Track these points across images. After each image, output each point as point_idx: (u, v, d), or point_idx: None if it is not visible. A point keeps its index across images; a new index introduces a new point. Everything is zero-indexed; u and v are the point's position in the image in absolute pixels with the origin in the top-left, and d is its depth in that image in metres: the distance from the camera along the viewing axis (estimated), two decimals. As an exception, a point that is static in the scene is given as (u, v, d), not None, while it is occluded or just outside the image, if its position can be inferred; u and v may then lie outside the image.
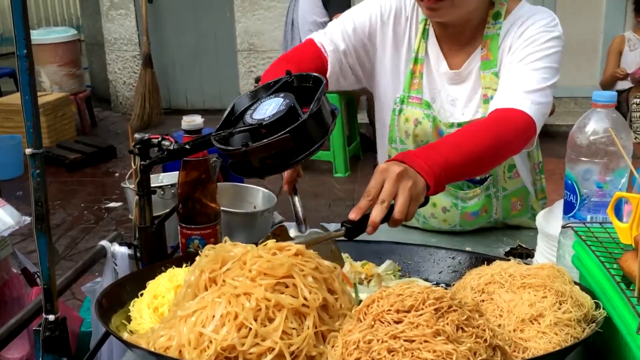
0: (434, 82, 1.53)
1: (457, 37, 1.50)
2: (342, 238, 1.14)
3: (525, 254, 1.49)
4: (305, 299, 0.90)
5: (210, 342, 0.87)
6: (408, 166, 1.14)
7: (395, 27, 1.55)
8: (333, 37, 1.54)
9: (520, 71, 1.39)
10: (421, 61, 1.53)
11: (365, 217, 1.12)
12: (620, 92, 5.78)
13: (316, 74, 1.23)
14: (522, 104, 1.34)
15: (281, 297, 0.90)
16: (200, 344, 0.88)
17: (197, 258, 1.02)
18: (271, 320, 0.88)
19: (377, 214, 1.10)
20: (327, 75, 1.52)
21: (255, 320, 0.88)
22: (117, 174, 5.18)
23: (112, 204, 4.56)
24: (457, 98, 1.51)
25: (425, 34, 1.53)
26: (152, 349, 0.92)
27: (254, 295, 0.89)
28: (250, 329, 0.87)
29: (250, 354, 0.86)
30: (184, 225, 1.36)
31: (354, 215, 1.11)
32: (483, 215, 1.60)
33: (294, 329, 0.88)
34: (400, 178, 1.12)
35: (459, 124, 1.48)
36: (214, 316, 0.89)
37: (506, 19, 1.47)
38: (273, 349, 0.86)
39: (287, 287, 0.92)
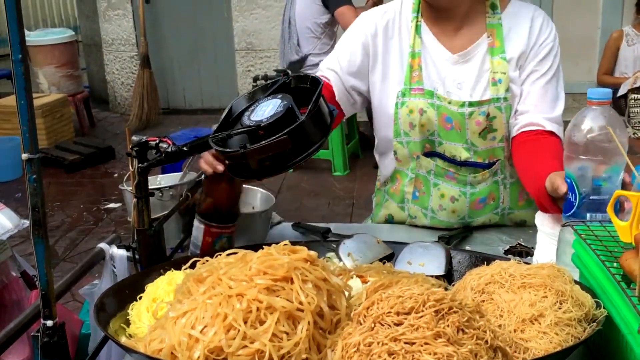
0: (436, 71, 1.58)
1: (451, 23, 1.58)
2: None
3: (524, 252, 1.49)
4: (300, 303, 0.90)
5: (198, 343, 0.87)
6: None
7: (385, 34, 1.62)
8: (330, 65, 1.66)
9: (546, 89, 1.56)
10: (418, 55, 1.58)
11: None
12: (616, 90, 5.80)
13: (314, 75, 1.23)
14: (554, 128, 1.55)
15: (274, 299, 0.89)
16: (190, 346, 0.87)
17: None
18: (262, 323, 0.88)
19: None
20: (337, 98, 1.64)
21: (246, 322, 0.87)
22: (115, 175, 5.17)
23: (112, 205, 4.56)
24: (464, 80, 1.56)
25: (418, 29, 1.59)
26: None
27: (246, 297, 0.89)
28: (239, 330, 0.86)
29: (239, 356, 0.86)
30: (213, 224, 1.35)
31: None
32: (490, 203, 1.61)
33: (285, 332, 0.87)
34: None
35: (470, 104, 1.54)
36: (203, 317, 0.89)
37: (505, 12, 1.58)
38: (262, 352, 0.85)
39: (284, 289, 0.91)
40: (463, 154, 1.57)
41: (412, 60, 1.58)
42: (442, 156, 1.59)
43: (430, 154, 1.60)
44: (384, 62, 1.62)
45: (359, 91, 1.65)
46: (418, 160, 1.61)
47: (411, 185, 1.64)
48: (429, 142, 1.59)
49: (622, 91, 5.59)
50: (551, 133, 1.53)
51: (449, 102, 1.55)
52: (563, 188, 1.25)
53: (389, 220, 1.74)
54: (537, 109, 1.55)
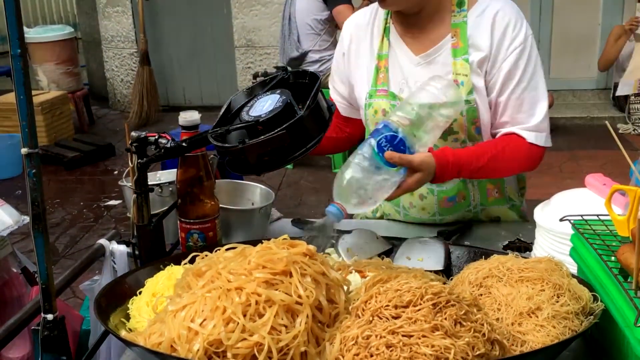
0: (401, 73, 1.58)
1: (418, 24, 1.56)
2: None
3: (523, 247, 1.50)
4: (299, 297, 0.90)
5: (198, 335, 0.87)
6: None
7: (357, 37, 1.64)
8: (333, 82, 1.74)
9: (522, 98, 1.51)
10: (385, 57, 1.59)
11: None
12: (616, 86, 5.80)
13: (312, 71, 1.23)
14: (531, 137, 1.52)
15: (273, 292, 0.89)
16: (189, 339, 0.88)
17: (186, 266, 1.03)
18: (261, 316, 0.88)
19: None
20: (342, 113, 1.73)
21: (245, 315, 0.87)
22: (115, 172, 5.18)
23: (112, 202, 4.56)
24: None
25: (387, 32, 1.60)
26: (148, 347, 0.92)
27: (245, 290, 0.89)
28: (238, 323, 0.87)
29: (238, 348, 0.86)
30: (183, 219, 1.36)
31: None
32: (461, 202, 1.62)
33: (284, 325, 0.88)
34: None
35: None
36: (203, 311, 0.89)
37: (472, 9, 1.53)
38: (261, 345, 0.86)
39: (283, 283, 0.92)
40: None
41: (379, 62, 1.59)
42: None
43: None
44: (357, 65, 1.64)
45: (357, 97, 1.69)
46: None
47: None
48: None
49: (622, 92, 5.55)
50: (530, 144, 1.51)
51: None
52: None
53: (375, 213, 1.76)
54: (514, 120, 1.52)
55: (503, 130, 1.54)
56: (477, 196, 1.63)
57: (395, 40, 1.59)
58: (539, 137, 1.52)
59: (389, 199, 1.32)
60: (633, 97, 5.51)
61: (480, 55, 1.50)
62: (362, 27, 1.64)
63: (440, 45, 1.54)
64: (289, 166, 4.82)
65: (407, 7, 1.52)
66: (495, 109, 1.54)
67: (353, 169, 1.26)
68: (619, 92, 5.58)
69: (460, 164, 1.42)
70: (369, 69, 1.61)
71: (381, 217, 1.74)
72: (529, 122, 1.51)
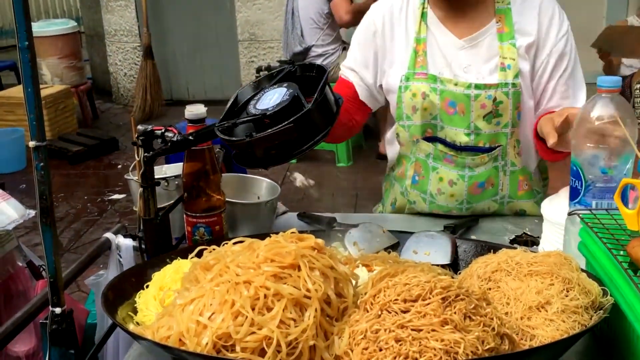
0: (441, 57, 1.60)
1: (461, 9, 1.60)
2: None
3: (530, 241, 1.49)
4: (308, 290, 0.90)
5: (206, 329, 0.87)
6: None
7: (391, 21, 1.65)
8: (348, 64, 1.72)
9: (567, 84, 1.59)
10: (424, 40, 1.61)
11: None
12: (623, 78, 5.78)
13: (319, 64, 1.22)
14: None
15: (281, 286, 0.89)
16: (198, 333, 0.88)
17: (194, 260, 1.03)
18: (270, 310, 0.88)
19: None
20: (361, 97, 1.70)
21: (253, 309, 0.87)
22: (119, 166, 5.18)
23: (116, 196, 4.57)
24: (471, 64, 1.58)
25: (424, 16, 1.62)
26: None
27: (253, 284, 0.89)
28: (247, 317, 0.87)
29: (247, 342, 0.86)
30: (189, 213, 1.36)
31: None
32: (489, 189, 1.62)
33: (293, 319, 0.88)
34: None
35: (477, 86, 1.55)
36: (211, 304, 0.89)
37: None
38: (270, 338, 0.86)
39: (291, 277, 0.91)
40: (463, 139, 1.58)
41: (417, 45, 1.61)
42: (442, 141, 1.61)
43: (431, 139, 1.62)
44: (391, 48, 1.65)
45: (379, 84, 1.68)
46: (417, 144, 1.63)
47: (412, 169, 1.66)
48: (430, 127, 1.61)
49: (626, 71, 5.46)
50: None
51: (455, 84, 1.56)
52: (551, 139, 1.34)
53: (393, 205, 1.76)
54: (565, 104, 1.57)
55: None
56: (506, 186, 1.63)
57: (435, 24, 1.61)
58: None
59: None
60: (638, 90, 5.48)
61: (527, 40, 1.57)
62: (396, 12, 1.66)
63: (486, 29, 1.58)
64: (292, 161, 4.82)
65: None
66: (542, 93, 1.60)
67: None
68: (623, 72, 5.52)
69: None
70: (405, 53, 1.63)
71: (402, 208, 1.73)
72: (577, 103, 1.57)
